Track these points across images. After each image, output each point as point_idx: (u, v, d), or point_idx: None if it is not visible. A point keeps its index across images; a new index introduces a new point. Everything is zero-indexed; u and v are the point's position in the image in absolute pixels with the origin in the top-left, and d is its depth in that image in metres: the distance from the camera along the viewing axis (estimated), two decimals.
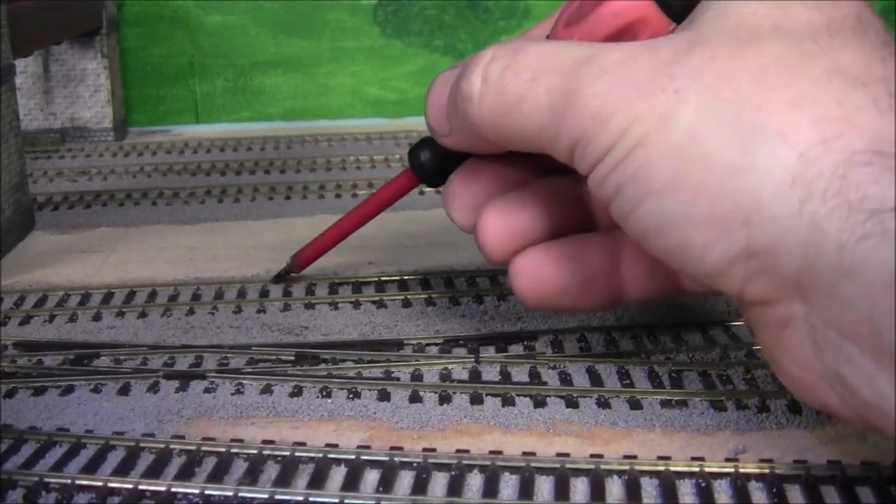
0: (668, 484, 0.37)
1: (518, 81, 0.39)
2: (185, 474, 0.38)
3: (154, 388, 0.45)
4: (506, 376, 0.45)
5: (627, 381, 0.45)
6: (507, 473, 0.38)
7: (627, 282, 0.45)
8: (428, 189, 0.56)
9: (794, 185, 0.33)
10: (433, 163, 0.47)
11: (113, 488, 0.37)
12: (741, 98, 0.35)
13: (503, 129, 0.40)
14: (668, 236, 0.36)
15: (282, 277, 0.55)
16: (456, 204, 0.46)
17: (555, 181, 0.44)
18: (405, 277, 0.56)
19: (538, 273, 0.45)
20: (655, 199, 0.36)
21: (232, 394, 0.45)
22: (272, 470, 0.39)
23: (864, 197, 0.32)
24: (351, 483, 0.38)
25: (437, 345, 0.49)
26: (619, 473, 0.38)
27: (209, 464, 0.39)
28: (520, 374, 0.45)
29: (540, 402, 0.43)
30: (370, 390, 0.44)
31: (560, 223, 0.45)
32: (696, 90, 0.36)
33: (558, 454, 0.39)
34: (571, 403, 0.43)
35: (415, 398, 0.44)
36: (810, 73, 0.35)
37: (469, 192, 0.46)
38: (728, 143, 0.35)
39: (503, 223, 0.45)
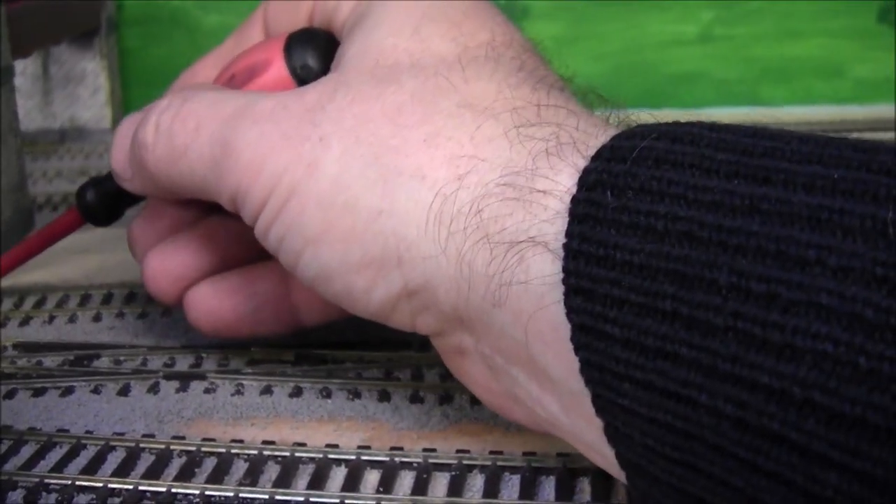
0: None
1: (184, 130, 0.40)
2: (185, 475, 0.38)
3: (154, 389, 0.45)
4: None
5: None
6: (507, 473, 0.38)
7: (300, 308, 0.46)
8: None
9: (437, 225, 0.34)
10: (99, 204, 0.47)
11: (113, 489, 0.37)
12: (379, 140, 0.35)
13: (174, 179, 0.41)
14: (331, 283, 0.37)
15: None
16: (137, 248, 0.47)
17: (224, 217, 0.45)
18: None
19: (208, 305, 0.46)
20: (313, 249, 0.36)
21: (232, 394, 0.45)
22: (272, 470, 0.39)
23: (502, 230, 0.32)
24: (351, 483, 0.37)
25: None
26: None
27: (209, 464, 0.39)
28: None
29: None
30: (370, 390, 0.44)
31: (228, 257, 0.46)
32: (338, 136, 0.36)
33: (559, 454, 0.39)
34: None
35: (415, 398, 0.44)
36: (444, 109, 0.35)
37: (149, 235, 0.47)
38: (370, 186, 0.35)
39: (161, 266, 0.46)
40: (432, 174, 0.34)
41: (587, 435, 0.31)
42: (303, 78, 0.41)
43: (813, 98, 0.90)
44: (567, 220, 0.30)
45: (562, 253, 0.29)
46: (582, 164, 0.29)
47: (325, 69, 0.41)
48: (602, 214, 0.27)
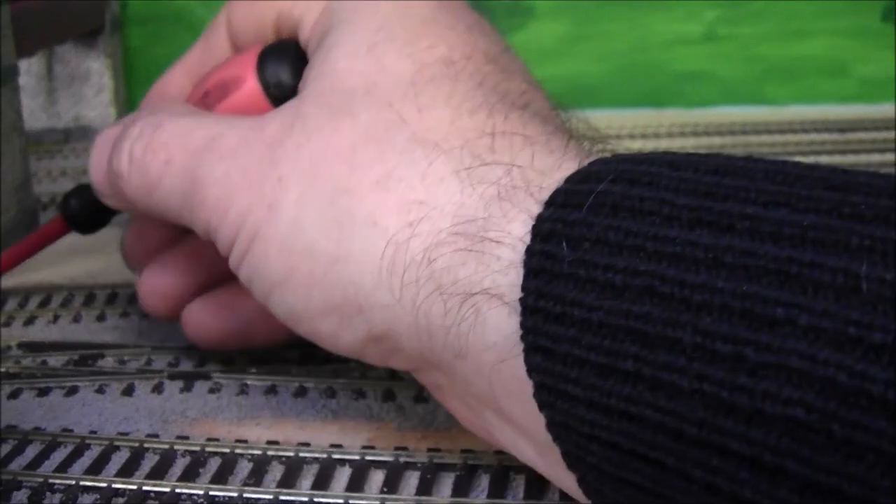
0: None
1: (156, 162, 0.39)
2: (189, 475, 0.38)
3: (158, 389, 0.45)
4: None
5: None
6: (512, 473, 0.38)
7: None
8: None
9: (390, 275, 0.32)
10: (84, 212, 0.47)
11: (117, 489, 0.37)
12: (334, 181, 0.34)
13: (152, 208, 0.41)
14: (300, 325, 0.36)
15: None
16: (131, 261, 0.48)
17: None
18: None
19: (200, 323, 0.45)
20: (279, 292, 0.36)
21: (236, 394, 0.45)
22: (277, 470, 0.39)
23: (455, 281, 0.30)
24: (356, 484, 0.37)
25: None
26: None
27: (213, 464, 0.39)
28: None
29: None
30: (375, 390, 0.44)
31: (219, 273, 0.45)
32: (295, 177, 0.35)
33: None
34: None
35: (419, 398, 0.44)
36: (397, 145, 0.34)
37: (140, 249, 0.47)
38: (326, 232, 0.34)
39: (154, 288, 0.46)
40: (383, 221, 0.33)
41: (564, 479, 0.31)
42: (276, 96, 0.41)
43: (817, 97, 0.90)
44: (521, 270, 0.28)
45: (518, 306, 0.28)
46: (535, 209, 0.28)
47: (298, 84, 0.40)
48: (558, 268, 0.26)
